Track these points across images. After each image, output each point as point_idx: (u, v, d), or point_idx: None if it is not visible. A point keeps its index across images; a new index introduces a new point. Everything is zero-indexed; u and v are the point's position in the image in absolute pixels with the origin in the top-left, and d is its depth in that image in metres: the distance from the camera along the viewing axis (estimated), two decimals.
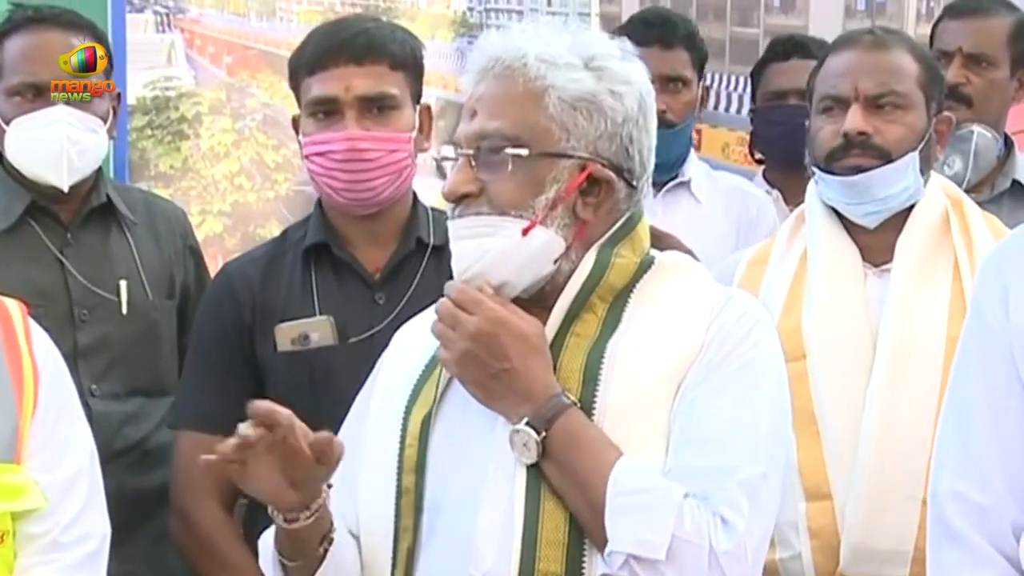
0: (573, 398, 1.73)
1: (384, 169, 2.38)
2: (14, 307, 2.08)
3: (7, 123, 2.62)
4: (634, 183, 1.81)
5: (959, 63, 3.10)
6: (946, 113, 2.44)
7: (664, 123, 3.06)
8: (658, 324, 1.77)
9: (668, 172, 3.16)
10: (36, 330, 2.08)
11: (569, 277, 1.78)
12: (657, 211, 3.13)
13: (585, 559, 1.71)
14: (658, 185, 3.15)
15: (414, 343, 1.91)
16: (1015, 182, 3.11)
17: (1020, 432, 1.66)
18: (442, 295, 1.80)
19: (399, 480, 1.80)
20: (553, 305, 1.78)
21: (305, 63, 2.39)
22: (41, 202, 2.66)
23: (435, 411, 1.81)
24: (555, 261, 1.77)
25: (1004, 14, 3.17)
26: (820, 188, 2.39)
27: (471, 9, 4.19)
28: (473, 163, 1.77)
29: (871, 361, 2.28)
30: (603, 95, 1.76)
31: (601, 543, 1.68)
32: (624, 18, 3.84)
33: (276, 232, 2.84)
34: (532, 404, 1.73)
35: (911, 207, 2.36)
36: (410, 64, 2.42)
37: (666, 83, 3.08)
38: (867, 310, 2.32)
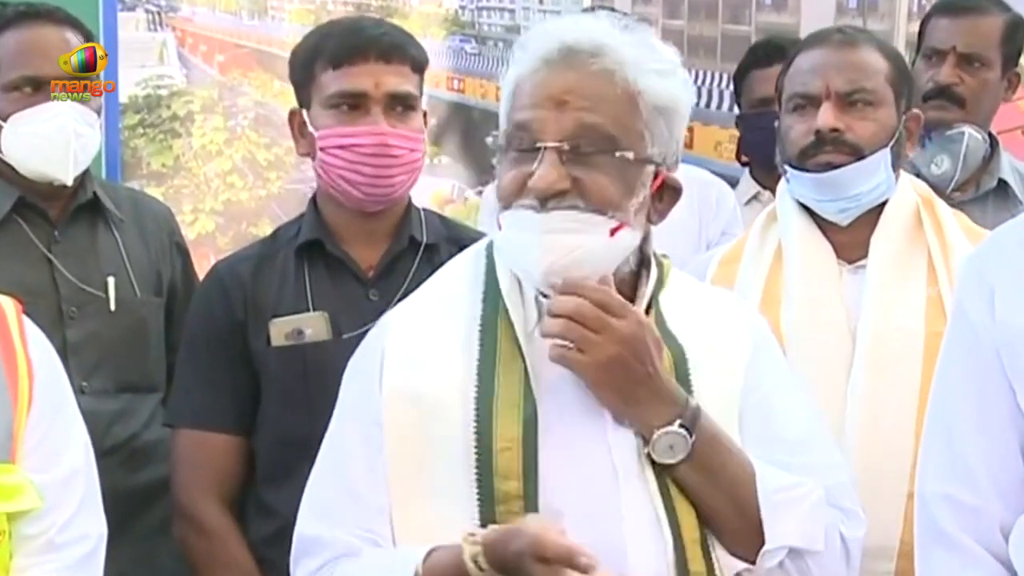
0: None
1: (406, 167, 2.40)
2: (8, 304, 2.07)
3: (4, 119, 2.60)
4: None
5: (952, 63, 3.10)
6: (915, 110, 2.45)
7: None
8: (698, 329, 1.82)
9: None
10: (30, 327, 2.07)
11: (622, 278, 1.79)
12: None
13: (715, 556, 1.74)
14: None
15: (426, 340, 1.83)
16: (1000, 181, 3.12)
17: (1006, 432, 1.66)
18: None
19: (484, 485, 1.71)
20: None
21: (328, 57, 2.39)
22: (29, 199, 2.65)
23: (532, 419, 1.72)
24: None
25: (996, 13, 3.16)
26: (792, 186, 2.40)
27: (463, 7, 4.20)
28: (564, 157, 1.72)
29: (851, 357, 2.30)
30: (681, 103, 1.78)
31: (747, 540, 1.71)
32: None
33: (268, 230, 2.84)
34: (677, 407, 1.73)
35: (882, 205, 2.37)
36: (423, 68, 2.45)
37: None
38: (844, 307, 2.33)
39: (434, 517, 1.73)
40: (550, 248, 1.72)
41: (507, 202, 1.75)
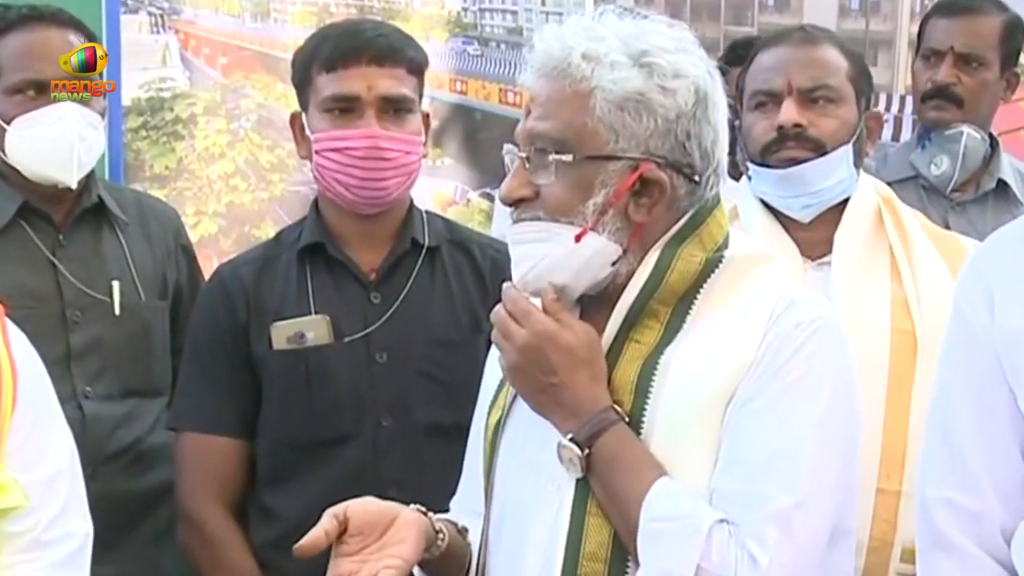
0: (623, 412, 1.70)
1: (399, 170, 2.40)
2: None
3: (7, 122, 2.59)
4: (696, 178, 1.73)
5: (950, 63, 3.11)
6: (876, 109, 2.46)
7: None
8: (718, 331, 1.70)
9: None
10: (13, 330, 2.07)
11: (626, 277, 1.74)
12: None
13: (628, 574, 1.68)
14: None
15: None
16: (1000, 181, 3.12)
17: (1006, 435, 1.65)
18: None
19: (485, 480, 1.83)
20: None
21: (323, 60, 2.39)
22: (34, 203, 2.65)
23: (505, 416, 1.80)
24: (613, 264, 1.72)
25: (995, 13, 3.16)
26: (755, 183, 2.40)
27: (465, 9, 4.20)
28: (527, 165, 1.73)
29: None
30: (652, 92, 1.69)
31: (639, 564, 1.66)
32: None
33: (271, 233, 2.84)
34: (578, 419, 1.69)
35: (843, 204, 2.38)
36: (421, 70, 2.45)
37: None
38: None
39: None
40: (521, 259, 1.74)
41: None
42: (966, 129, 3.08)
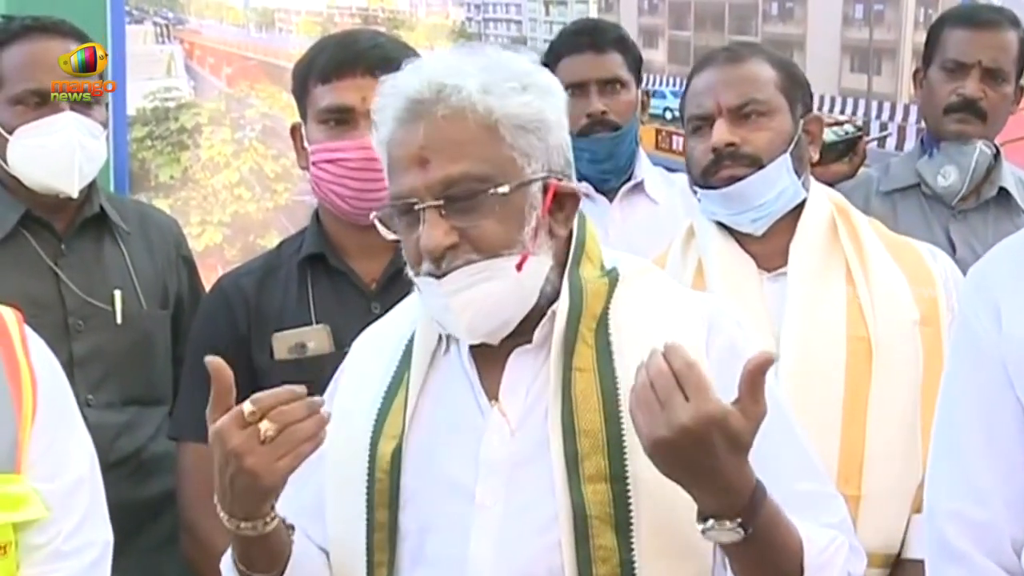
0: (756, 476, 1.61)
1: None
2: (10, 315, 2.08)
3: (9, 132, 2.61)
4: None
5: (977, 77, 3.11)
6: (815, 113, 2.48)
7: (609, 126, 3.10)
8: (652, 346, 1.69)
9: (621, 176, 3.20)
10: (33, 338, 2.08)
11: (551, 299, 1.75)
12: (616, 217, 3.16)
13: None
14: (614, 191, 3.19)
15: (373, 359, 1.88)
16: (1001, 189, 3.13)
17: (1014, 446, 1.65)
18: None
19: (370, 514, 1.77)
20: (533, 327, 1.75)
21: (318, 71, 2.41)
22: (36, 212, 2.66)
23: (405, 442, 1.77)
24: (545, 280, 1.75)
25: (1011, 27, 3.17)
26: (703, 205, 2.44)
27: (469, 19, 4.20)
28: (443, 212, 1.69)
29: (775, 364, 2.30)
30: (546, 111, 1.73)
31: None
32: (623, 26, 3.85)
33: (276, 242, 2.84)
34: (730, 500, 1.58)
35: (796, 213, 2.40)
36: None
37: (604, 86, 3.13)
38: (767, 314, 2.35)
39: (337, 540, 1.82)
40: (462, 308, 1.71)
41: (415, 270, 1.75)
42: (979, 144, 3.09)
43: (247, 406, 1.66)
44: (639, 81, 3.23)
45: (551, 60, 3.14)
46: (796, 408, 2.24)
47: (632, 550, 1.67)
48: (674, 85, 4.39)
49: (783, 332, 2.32)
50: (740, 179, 2.36)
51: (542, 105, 1.73)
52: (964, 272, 2.39)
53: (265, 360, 2.40)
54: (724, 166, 2.37)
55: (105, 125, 2.70)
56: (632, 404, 1.57)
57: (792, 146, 2.38)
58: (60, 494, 2.00)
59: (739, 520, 1.58)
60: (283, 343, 2.39)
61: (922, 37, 3.40)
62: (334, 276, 2.44)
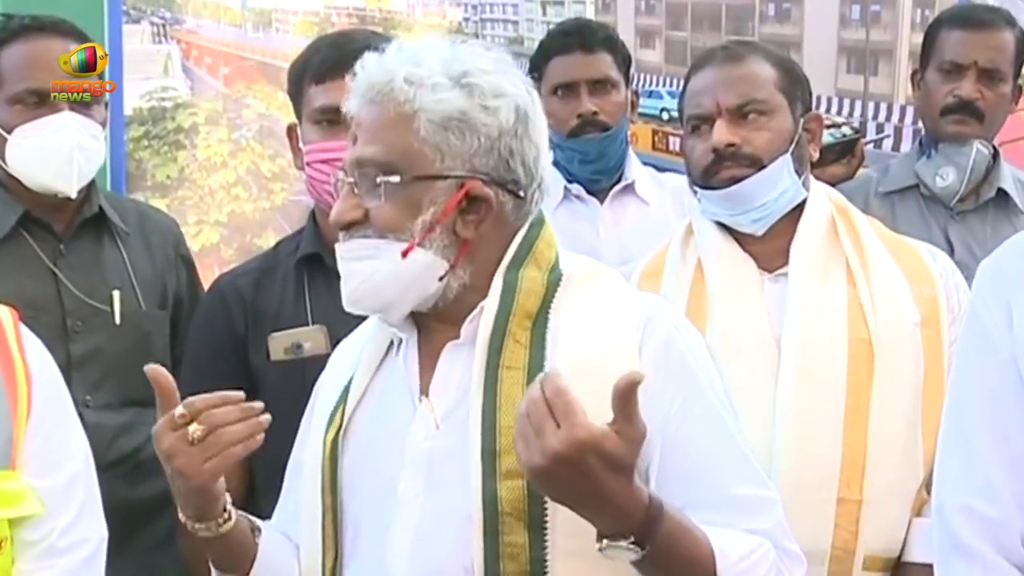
0: (649, 492, 1.62)
1: None
2: (5, 314, 2.09)
3: (8, 132, 2.60)
4: (520, 194, 1.78)
5: (973, 78, 3.11)
6: (815, 111, 2.47)
7: (599, 126, 3.09)
8: (587, 350, 1.72)
9: (611, 176, 3.20)
10: (28, 336, 2.09)
11: (459, 293, 1.77)
12: (606, 217, 3.16)
13: None
14: (604, 191, 3.18)
15: (342, 365, 1.93)
16: (1000, 190, 3.13)
17: None
18: None
19: (322, 499, 1.83)
20: (461, 319, 1.77)
21: (312, 72, 2.41)
22: (35, 213, 2.66)
23: (344, 432, 1.83)
24: (440, 279, 1.76)
25: (1007, 27, 3.17)
26: (703, 205, 2.43)
27: (466, 19, 4.21)
28: (356, 190, 1.77)
29: (777, 365, 2.31)
30: (474, 111, 1.73)
31: None
32: (620, 27, 3.86)
33: (273, 242, 2.85)
34: (624, 521, 1.60)
35: (797, 213, 2.40)
36: None
37: (594, 86, 3.13)
38: (768, 315, 2.35)
39: (302, 528, 1.89)
40: (349, 276, 1.78)
41: None
42: (977, 144, 3.09)
43: (179, 409, 1.72)
44: (629, 81, 3.24)
45: (541, 60, 3.15)
46: (797, 411, 2.26)
47: (544, 548, 1.68)
48: (671, 86, 4.40)
49: (784, 334, 2.31)
50: (741, 179, 2.35)
51: (468, 105, 1.73)
52: (963, 273, 2.40)
53: (261, 361, 2.40)
54: (725, 166, 2.36)
55: (104, 125, 2.70)
56: (515, 434, 1.60)
57: (793, 145, 2.38)
58: (55, 490, 2.01)
59: (632, 539, 1.60)
60: (279, 344, 2.40)
61: (919, 38, 3.40)
62: (331, 277, 2.43)
